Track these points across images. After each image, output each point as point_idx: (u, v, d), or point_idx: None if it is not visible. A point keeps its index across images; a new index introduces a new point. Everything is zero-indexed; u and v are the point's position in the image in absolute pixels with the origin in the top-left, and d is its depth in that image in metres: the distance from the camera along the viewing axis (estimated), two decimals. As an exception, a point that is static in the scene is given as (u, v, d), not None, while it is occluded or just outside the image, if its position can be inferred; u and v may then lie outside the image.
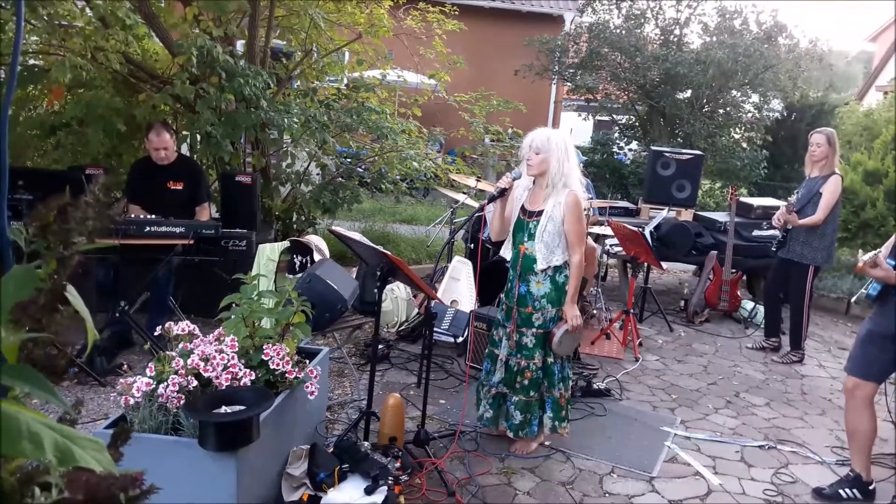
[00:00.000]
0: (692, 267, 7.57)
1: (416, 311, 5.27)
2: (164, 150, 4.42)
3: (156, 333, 2.90)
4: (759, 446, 3.80)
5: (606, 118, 12.71)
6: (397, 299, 5.21)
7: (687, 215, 6.83)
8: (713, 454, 3.67)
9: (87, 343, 0.99)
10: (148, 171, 4.53)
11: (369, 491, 2.73)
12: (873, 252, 2.99)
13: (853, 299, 6.41)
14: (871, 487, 3.26)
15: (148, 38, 5.68)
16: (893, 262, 2.97)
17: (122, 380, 2.53)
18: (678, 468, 3.50)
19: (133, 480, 0.65)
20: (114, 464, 0.69)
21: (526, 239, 3.36)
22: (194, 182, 4.61)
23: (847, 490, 3.25)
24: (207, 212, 4.67)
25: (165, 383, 2.47)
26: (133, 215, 4.24)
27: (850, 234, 7.48)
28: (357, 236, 3.76)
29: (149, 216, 4.15)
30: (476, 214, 4.53)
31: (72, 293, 0.84)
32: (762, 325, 5.77)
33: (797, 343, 5.28)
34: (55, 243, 0.77)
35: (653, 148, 7.50)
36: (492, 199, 3.47)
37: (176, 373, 2.50)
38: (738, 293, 6.36)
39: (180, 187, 4.52)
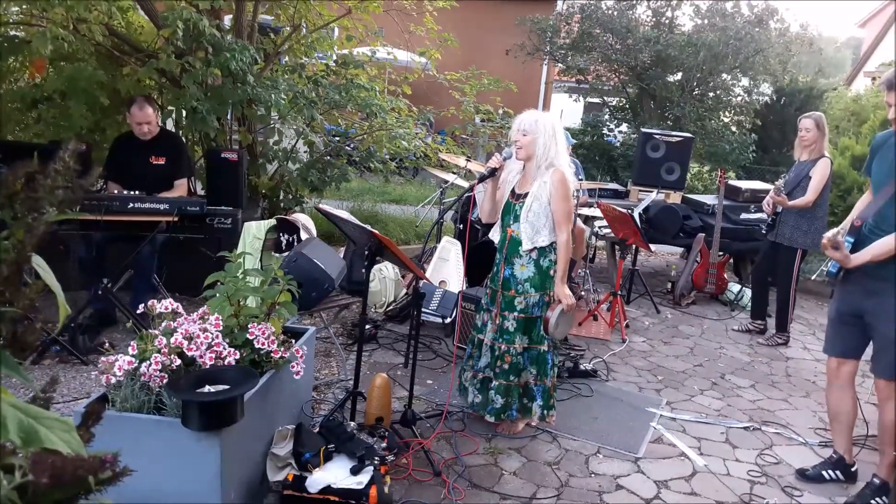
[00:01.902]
0: (680, 249, 7.59)
1: (405, 291, 5.24)
2: (147, 125, 4.35)
3: (139, 311, 2.85)
4: (744, 428, 3.83)
5: (597, 100, 12.63)
6: (385, 279, 5.18)
7: (676, 198, 6.83)
8: (698, 435, 3.69)
9: (62, 319, 0.95)
10: (130, 146, 4.45)
11: (355, 471, 2.71)
12: (836, 229, 2.98)
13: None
14: (853, 469, 3.30)
15: (133, 10, 5.55)
16: (852, 241, 2.96)
17: (103, 358, 2.48)
18: (664, 449, 3.51)
19: (102, 463, 0.61)
20: (82, 445, 0.65)
21: (512, 221, 3.34)
22: (176, 157, 4.53)
23: (830, 471, 3.29)
24: (185, 188, 4.59)
25: (148, 362, 2.42)
26: (116, 191, 4.17)
27: (836, 219, 7.50)
28: (345, 215, 3.71)
29: (129, 193, 4.08)
30: (465, 195, 4.50)
31: (42, 266, 0.80)
32: (748, 308, 5.79)
33: (783, 326, 5.31)
34: (23, 213, 0.73)
35: (643, 130, 7.47)
36: (482, 178, 3.43)
37: (159, 351, 2.46)
38: (725, 276, 6.39)
39: (162, 162, 4.45)
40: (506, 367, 3.36)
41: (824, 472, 3.29)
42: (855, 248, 2.94)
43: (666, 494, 3.09)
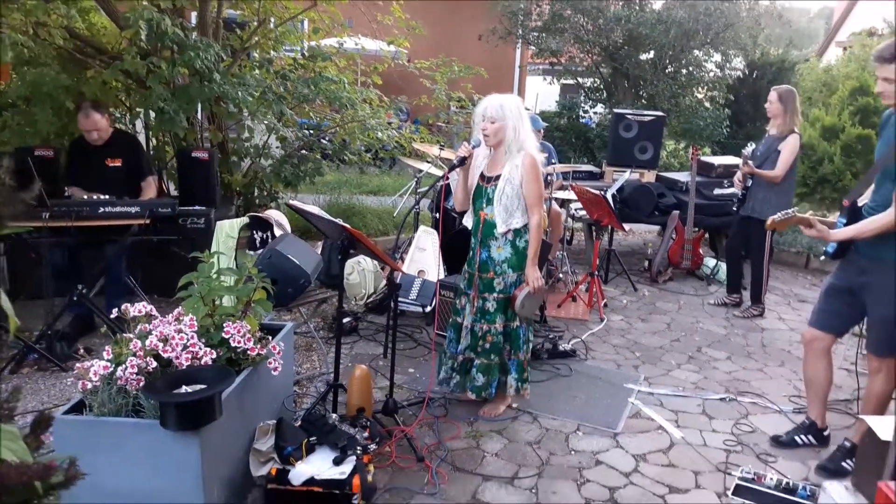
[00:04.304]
0: (656, 228, 7.66)
1: (384, 282, 5.26)
2: (96, 132, 4.32)
3: (113, 315, 2.85)
4: (720, 399, 3.91)
5: (571, 82, 12.66)
6: (364, 271, 5.19)
7: (650, 177, 6.90)
8: (676, 408, 3.76)
9: (13, 331, 0.97)
10: (85, 150, 4.41)
11: (338, 461, 2.75)
12: (784, 212, 3.06)
13: (822, 258, 6.58)
14: (825, 433, 3.38)
15: (94, 12, 5.49)
16: (843, 221, 3.04)
17: (78, 364, 2.49)
18: (642, 423, 3.58)
19: (48, 469, 0.63)
20: (28, 452, 0.67)
21: (485, 205, 3.37)
22: (132, 157, 4.48)
23: (803, 436, 3.37)
24: (153, 186, 4.55)
25: (124, 366, 2.43)
26: (81, 197, 4.14)
27: (808, 189, 7.62)
28: (315, 210, 3.72)
29: (93, 196, 4.03)
30: (439, 183, 4.52)
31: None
32: (724, 282, 5.88)
33: (757, 297, 5.40)
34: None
35: (615, 111, 7.52)
36: (452, 167, 3.46)
37: (134, 354, 2.47)
38: (701, 251, 6.47)
39: (119, 164, 4.41)
40: (487, 346, 3.42)
41: (797, 438, 3.37)
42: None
43: (644, 467, 3.15)
